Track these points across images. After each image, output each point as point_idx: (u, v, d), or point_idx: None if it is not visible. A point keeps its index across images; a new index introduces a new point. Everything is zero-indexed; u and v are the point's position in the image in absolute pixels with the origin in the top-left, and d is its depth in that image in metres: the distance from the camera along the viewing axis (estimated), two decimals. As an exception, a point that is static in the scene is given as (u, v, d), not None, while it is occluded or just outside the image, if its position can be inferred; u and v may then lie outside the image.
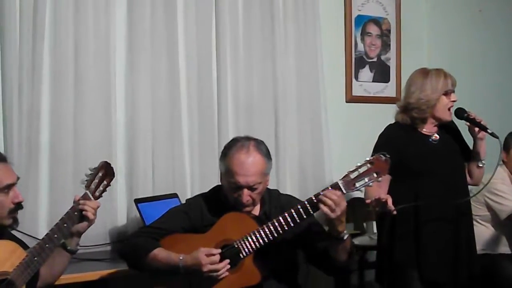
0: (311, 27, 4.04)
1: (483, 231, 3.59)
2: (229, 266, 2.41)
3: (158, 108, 3.51)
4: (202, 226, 2.54)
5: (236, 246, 2.43)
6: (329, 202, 2.31)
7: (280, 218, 2.40)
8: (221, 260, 2.40)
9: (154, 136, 3.50)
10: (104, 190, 2.37)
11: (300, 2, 3.99)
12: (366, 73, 4.41)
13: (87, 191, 2.33)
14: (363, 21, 4.39)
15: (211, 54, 3.71)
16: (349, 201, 2.84)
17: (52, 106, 3.26)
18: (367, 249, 3.80)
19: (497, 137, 3.02)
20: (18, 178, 2.30)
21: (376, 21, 4.45)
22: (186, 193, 3.53)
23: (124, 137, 3.47)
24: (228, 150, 2.52)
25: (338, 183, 2.35)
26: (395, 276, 3.00)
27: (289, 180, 3.91)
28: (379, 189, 2.79)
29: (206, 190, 2.71)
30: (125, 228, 3.41)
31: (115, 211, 3.38)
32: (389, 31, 4.50)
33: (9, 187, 2.24)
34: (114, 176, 2.40)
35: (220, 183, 2.61)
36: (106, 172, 2.37)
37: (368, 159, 2.36)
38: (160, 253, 2.47)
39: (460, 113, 3.04)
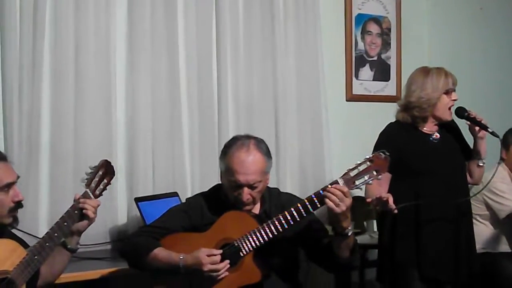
0: (312, 26, 4.04)
1: (483, 230, 3.59)
2: (229, 266, 2.41)
3: (158, 107, 3.52)
4: (202, 225, 2.54)
5: (236, 244, 2.43)
6: (333, 197, 2.31)
7: (280, 216, 2.40)
8: (222, 260, 2.40)
9: (154, 135, 3.50)
10: (104, 189, 2.37)
11: (300, 1, 3.99)
12: (366, 72, 4.40)
13: (88, 190, 2.33)
14: (363, 20, 4.39)
15: (212, 53, 3.71)
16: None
17: (53, 105, 3.26)
18: (368, 248, 3.80)
19: (497, 136, 3.03)
20: (18, 177, 2.30)
21: (377, 20, 4.45)
22: (186, 192, 3.53)
23: (125, 136, 3.47)
24: (228, 149, 2.52)
25: (337, 181, 2.35)
26: (396, 275, 3.00)
27: (289, 179, 3.91)
28: (379, 187, 2.79)
29: (206, 189, 2.71)
30: (126, 227, 3.41)
31: (116, 209, 3.39)
32: (389, 29, 4.50)
33: (9, 185, 2.24)
34: (114, 175, 2.40)
35: (220, 182, 2.61)
36: (106, 170, 2.37)
37: (367, 157, 2.36)
38: (161, 252, 2.47)
39: (461, 112, 3.04)
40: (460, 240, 3.00)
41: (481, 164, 3.09)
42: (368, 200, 2.78)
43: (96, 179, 2.35)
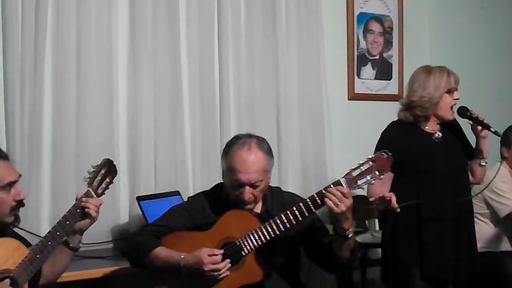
0: (313, 25, 4.03)
1: (484, 228, 3.59)
2: (230, 265, 2.41)
3: (160, 107, 3.52)
4: (204, 224, 2.54)
5: (238, 243, 2.43)
6: (333, 197, 2.31)
7: (282, 215, 2.40)
8: (223, 260, 2.40)
9: (156, 134, 3.50)
10: (106, 188, 2.37)
11: (302, 0, 3.99)
12: (368, 71, 4.40)
13: (90, 189, 2.33)
14: (365, 19, 4.39)
15: (213, 53, 3.71)
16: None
17: (54, 104, 3.26)
18: (369, 247, 3.80)
19: (500, 136, 3.02)
20: (19, 176, 2.30)
21: (378, 19, 4.45)
22: (188, 190, 3.53)
23: (127, 134, 3.47)
24: (230, 148, 2.52)
25: (340, 181, 2.35)
26: (398, 274, 3.00)
27: (291, 178, 3.91)
28: (381, 186, 2.79)
29: (208, 188, 2.71)
30: (127, 225, 3.41)
31: (118, 208, 3.39)
32: (391, 28, 4.50)
33: (11, 184, 2.24)
34: (116, 174, 2.40)
35: (222, 181, 2.61)
36: (108, 169, 2.37)
37: (370, 156, 2.35)
38: (162, 251, 2.47)
39: (463, 111, 3.04)
40: (461, 239, 2.99)
41: (483, 164, 3.08)
42: (371, 199, 2.78)
43: (98, 178, 2.35)
